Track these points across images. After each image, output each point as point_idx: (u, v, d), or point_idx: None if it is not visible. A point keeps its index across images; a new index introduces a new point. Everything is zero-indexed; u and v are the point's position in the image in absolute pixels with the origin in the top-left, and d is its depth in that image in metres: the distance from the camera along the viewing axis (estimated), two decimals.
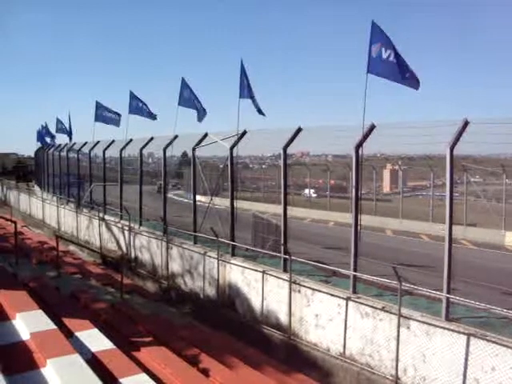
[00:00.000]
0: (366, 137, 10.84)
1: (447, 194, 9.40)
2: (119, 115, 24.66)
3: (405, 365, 9.34)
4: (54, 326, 6.05)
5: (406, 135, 10.94)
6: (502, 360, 7.94)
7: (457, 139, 9.24)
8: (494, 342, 8.09)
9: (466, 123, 9.30)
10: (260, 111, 16.01)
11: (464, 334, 8.51)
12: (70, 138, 30.61)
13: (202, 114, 18.22)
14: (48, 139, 37.16)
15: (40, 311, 6.60)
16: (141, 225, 19.23)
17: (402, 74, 11.78)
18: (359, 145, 10.87)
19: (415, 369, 9.19)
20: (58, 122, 33.18)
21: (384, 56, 11.91)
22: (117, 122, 24.78)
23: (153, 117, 21.86)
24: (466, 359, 8.41)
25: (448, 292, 9.10)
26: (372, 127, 10.85)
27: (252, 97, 15.95)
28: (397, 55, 11.78)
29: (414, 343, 9.20)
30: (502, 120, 9.13)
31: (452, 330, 8.71)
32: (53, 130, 35.28)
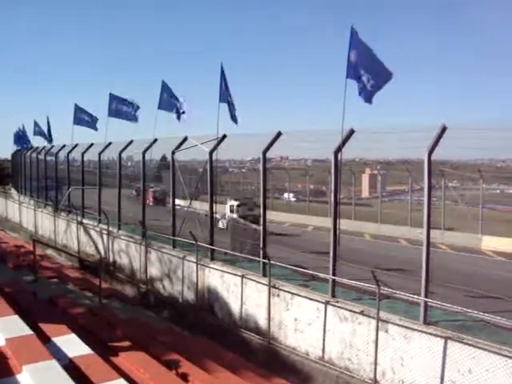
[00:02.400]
0: (344, 142, 10.90)
1: (425, 198, 9.49)
2: (94, 119, 24.59)
3: (383, 368, 9.40)
4: (31, 332, 5.96)
5: (385, 140, 11.05)
6: (478, 362, 8.03)
7: (435, 144, 9.34)
8: (470, 345, 8.18)
9: (444, 128, 9.40)
10: (233, 118, 16.04)
11: (441, 337, 8.60)
12: (51, 141, 30.29)
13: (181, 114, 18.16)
14: (25, 142, 36.74)
15: (16, 316, 6.50)
16: (119, 229, 19.09)
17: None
18: (338, 150, 10.93)
19: (394, 372, 9.25)
20: (36, 124, 32.87)
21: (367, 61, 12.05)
22: (93, 125, 24.68)
23: (134, 119, 21.69)
24: (444, 362, 8.49)
25: (426, 296, 9.18)
26: (351, 132, 10.91)
27: (228, 102, 15.96)
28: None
29: (392, 347, 9.26)
30: (479, 126, 9.26)
31: (430, 334, 8.79)
32: (31, 132, 34.97)
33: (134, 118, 21.66)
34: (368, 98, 12.16)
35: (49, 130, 30.88)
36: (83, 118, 25.27)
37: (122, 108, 21.78)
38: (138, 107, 21.55)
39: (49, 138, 30.65)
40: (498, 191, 47.88)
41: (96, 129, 24.82)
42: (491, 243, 22.07)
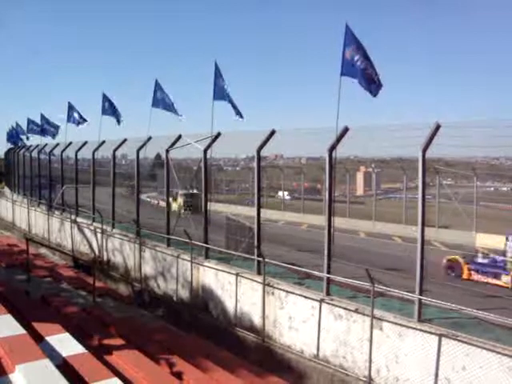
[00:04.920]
0: (339, 139, 10.88)
1: (419, 196, 9.49)
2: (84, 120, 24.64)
3: (378, 366, 9.40)
4: (24, 331, 5.93)
5: (379, 138, 11.04)
6: (472, 359, 8.05)
7: (429, 142, 9.35)
8: (464, 342, 8.21)
9: (438, 126, 9.41)
10: (238, 113, 15.92)
11: (436, 334, 8.61)
12: (54, 137, 29.79)
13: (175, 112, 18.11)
14: (23, 138, 36.41)
15: (8, 315, 6.46)
16: (113, 227, 19.03)
17: (368, 79, 11.91)
18: (332, 147, 10.91)
19: (388, 369, 9.26)
20: (30, 122, 32.63)
21: (356, 59, 12.00)
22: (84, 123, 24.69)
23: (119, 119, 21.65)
24: (438, 359, 8.51)
25: (420, 293, 9.19)
26: (345, 130, 10.90)
27: (230, 99, 15.84)
28: (366, 59, 11.88)
29: (386, 344, 9.27)
30: (473, 123, 9.29)
31: (424, 331, 8.80)
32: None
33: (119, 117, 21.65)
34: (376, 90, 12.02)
35: (51, 126, 30.28)
36: (76, 116, 25.18)
37: (114, 107, 21.76)
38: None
39: (55, 132, 29.94)
40: (492, 189, 48.10)
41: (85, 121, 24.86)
42: (485, 241, 22.12)
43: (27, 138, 34.96)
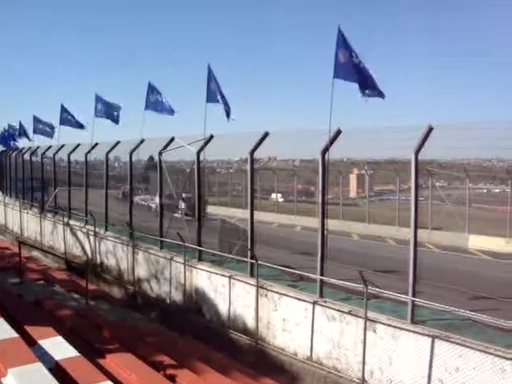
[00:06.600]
0: (332, 142, 10.90)
1: (412, 198, 9.52)
2: (82, 126, 24.39)
3: (371, 368, 9.41)
4: (16, 334, 5.91)
5: (372, 140, 11.07)
6: (465, 361, 8.07)
7: (421, 144, 9.38)
8: (457, 344, 8.22)
9: (431, 128, 9.44)
10: (227, 114, 15.90)
11: (429, 336, 8.63)
12: (51, 137, 29.36)
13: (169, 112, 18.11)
14: (17, 140, 36.21)
15: (1, 319, 6.43)
16: (106, 230, 18.98)
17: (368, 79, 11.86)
18: (325, 150, 10.93)
19: (382, 371, 9.27)
20: (21, 126, 32.52)
21: (355, 61, 11.97)
22: (81, 126, 24.47)
23: (116, 120, 21.52)
24: (431, 361, 8.52)
25: (413, 295, 9.22)
26: (338, 132, 10.91)
27: (224, 101, 15.83)
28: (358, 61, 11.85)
29: (380, 346, 9.28)
30: (465, 125, 9.33)
31: (417, 333, 8.82)
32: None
33: (115, 120, 21.53)
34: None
35: (42, 124, 29.88)
36: (69, 118, 25.03)
37: (107, 109, 21.67)
38: (119, 107, 21.46)
39: (51, 132, 29.43)
40: (485, 190, 48.20)
41: (83, 128, 24.59)
42: (478, 242, 22.22)
43: (14, 140, 34.76)
